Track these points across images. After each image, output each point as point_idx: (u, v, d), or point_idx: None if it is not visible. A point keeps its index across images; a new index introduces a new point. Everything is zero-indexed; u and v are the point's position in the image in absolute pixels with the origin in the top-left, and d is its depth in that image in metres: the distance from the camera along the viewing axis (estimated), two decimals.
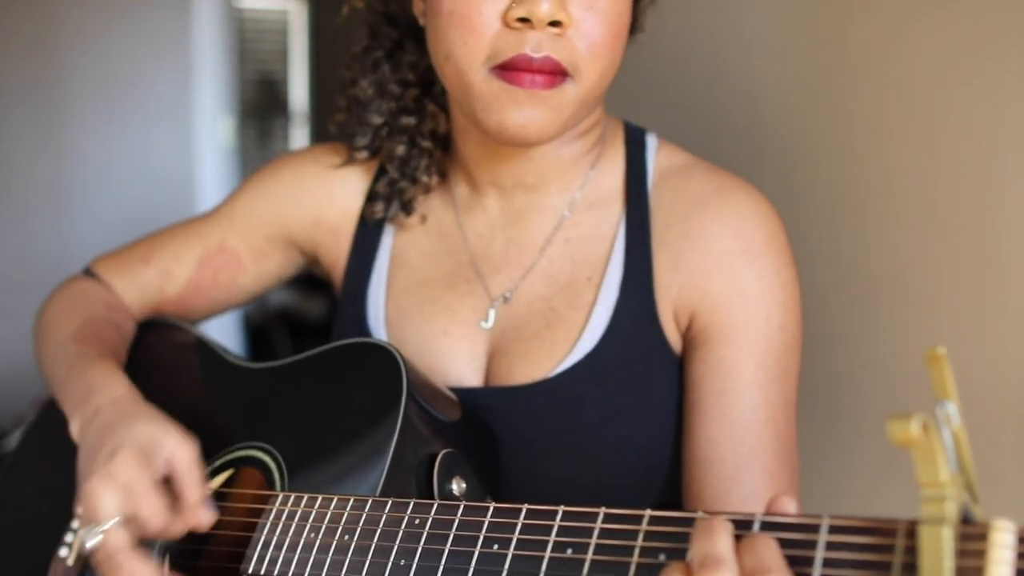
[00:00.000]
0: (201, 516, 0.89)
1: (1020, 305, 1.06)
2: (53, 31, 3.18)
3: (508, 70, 0.90)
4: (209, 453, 1.01)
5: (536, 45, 0.89)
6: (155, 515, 0.87)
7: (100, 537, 0.86)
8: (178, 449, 0.90)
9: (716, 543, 0.62)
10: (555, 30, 0.90)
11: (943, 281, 1.15)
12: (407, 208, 1.10)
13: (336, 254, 1.15)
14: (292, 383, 1.00)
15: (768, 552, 0.60)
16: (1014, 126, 1.05)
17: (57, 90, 3.21)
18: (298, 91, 5.72)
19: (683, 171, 1.04)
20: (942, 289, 1.15)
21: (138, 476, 0.87)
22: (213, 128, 3.43)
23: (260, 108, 5.54)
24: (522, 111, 0.91)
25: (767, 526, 0.62)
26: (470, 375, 1.03)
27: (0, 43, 3.12)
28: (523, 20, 0.89)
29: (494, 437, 0.99)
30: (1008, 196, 1.06)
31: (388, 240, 1.12)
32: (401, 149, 1.10)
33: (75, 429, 0.99)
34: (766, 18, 1.39)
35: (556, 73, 0.90)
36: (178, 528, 0.89)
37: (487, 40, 0.91)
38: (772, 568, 0.59)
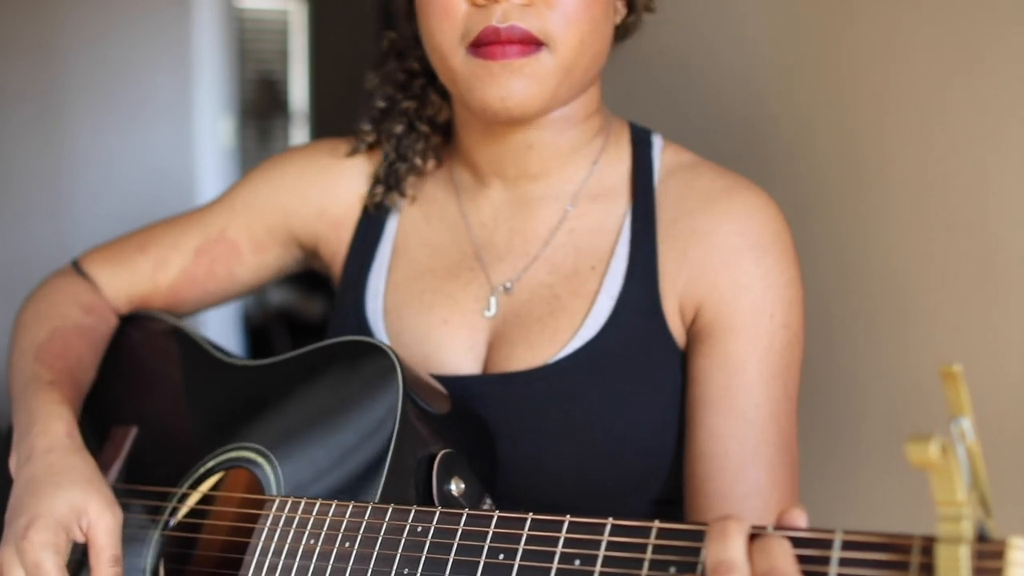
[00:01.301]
0: None
1: (1020, 307, 1.05)
2: (53, 31, 3.18)
3: (480, 46, 0.93)
4: (200, 454, 1.00)
5: (502, 16, 0.91)
6: None
7: None
8: (98, 520, 0.90)
9: (730, 547, 0.61)
10: (520, 0, 0.91)
11: (944, 283, 1.14)
12: (399, 188, 1.11)
13: (337, 245, 1.15)
14: (285, 382, 0.99)
15: (781, 556, 0.60)
16: (1017, 128, 1.05)
17: (57, 90, 3.21)
18: (298, 91, 5.72)
19: (690, 169, 1.04)
20: (943, 291, 1.15)
21: (45, 558, 0.87)
22: (213, 128, 3.42)
23: (260, 108, 5.53)
24: (499, 84, 0.93)
25: None
26: (469, 363, 1.03)
27: (0, 43, 3.11)
28: None
29: (488, 427, 0.98)
30: (1011, 199, 1.06)
31: (391, 230, 1.12)
32: (399, 128, 1.12)
33: (12, 463, 0.99)
34: (767, 18, 1.39)
35: (527, 42, 0.92)
36: None
37: (459, 21, 0.94)
38: (785, 574, 0.58)
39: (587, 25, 0.94)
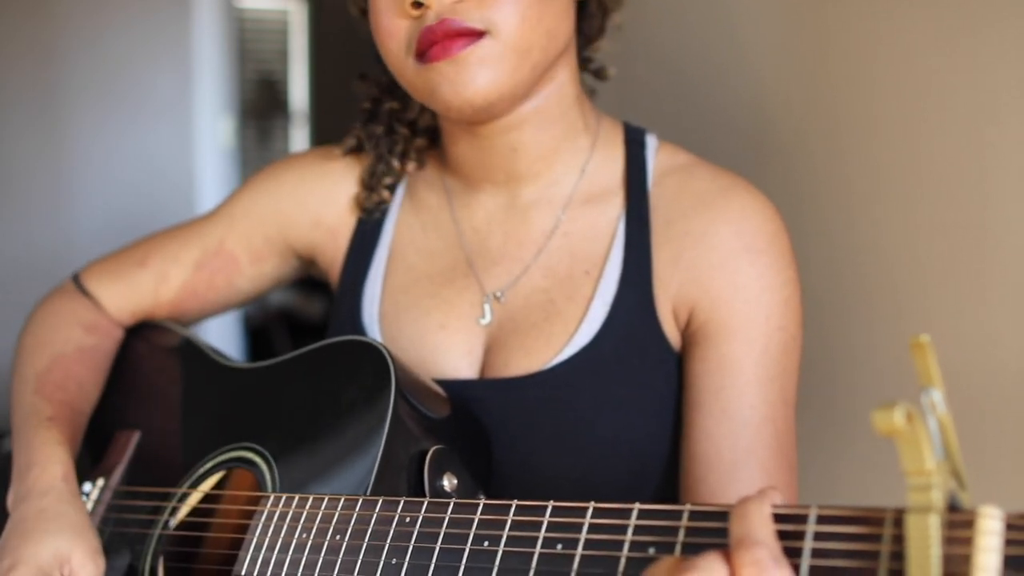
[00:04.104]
0: None
1: (1013, 304, 1.05)
2: (53, 31, 3.18)
3: (423, 52, 0.93)
4: (200, 455, 1.01)
5: (434, 17, 0.91)
6: None
7: None
8: (80, 569, 0.92)
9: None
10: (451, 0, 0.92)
11: (937, 280, 1.14)
12: (377, 190, 1.12)
13: (334, 253, 1.15)
14: (281, 383, 1.00)
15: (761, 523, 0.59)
16: (1010, 126, 1.05)
17: (57, 90, 3.21)
18: (298, 91, 5.73)
19: (685, 170, 1.04)
20: (939, 289, 1.14)
21: None
22: (213, 128, 3.42)
23: (260, 108, 5.54)
24: (450, 80, 0.92)
25: None
26: (466, 368, 1.03)
27: (0, 43, 3.12)
28: (418, 5, 0.92)
29: (485, 431, 0.98)
30: (1005, 197, 1.06)
31: (386, 237, 1.12)
32: (380, 130, 1.13)
33: (9, 499, 0.99)
34: (763, 18, 1.39)
35: (465, 35, 0.91)
36: None
37: (403, 37, 0.94)
38: (760, 540, 0.58)
39: (525, 2, 0.92)
